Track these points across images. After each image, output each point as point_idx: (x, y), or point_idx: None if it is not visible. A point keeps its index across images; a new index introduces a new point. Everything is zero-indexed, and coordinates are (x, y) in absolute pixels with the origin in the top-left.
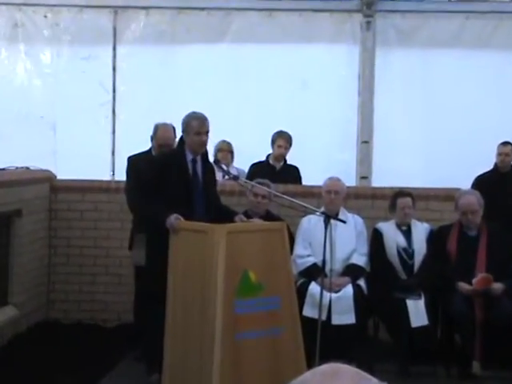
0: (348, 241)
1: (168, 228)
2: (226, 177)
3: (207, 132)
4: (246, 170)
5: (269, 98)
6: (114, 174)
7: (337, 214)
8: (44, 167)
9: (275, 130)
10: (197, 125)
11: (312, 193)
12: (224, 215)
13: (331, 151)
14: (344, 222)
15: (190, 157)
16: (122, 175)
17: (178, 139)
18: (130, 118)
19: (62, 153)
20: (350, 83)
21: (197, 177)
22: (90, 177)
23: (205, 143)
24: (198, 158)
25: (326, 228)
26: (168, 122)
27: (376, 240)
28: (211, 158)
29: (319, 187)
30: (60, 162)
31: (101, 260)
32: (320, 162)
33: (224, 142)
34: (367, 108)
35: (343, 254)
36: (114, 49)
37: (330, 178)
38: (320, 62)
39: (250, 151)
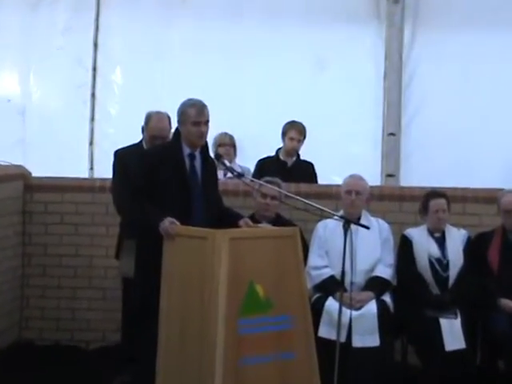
0: (371, 249)
1: (161, 234)
2: (229, 174)
3: (207, 121)
4: (252, 167)
5: (279, 82)
6: (92, 169)
7: (358, 219)
8: (9, 159)
9: (286, 120)
10: (194, 113)
11: (329, 193)
12: (227, 219)
13: (352, 145)
14: (367, 227)
15: (187, 151)
16: (102, 170)
17: (173, 130)
18: (114, 104)
19: (31, 143)
20: (374, 65)
21: (195, 174)
22: (63, 172)
23: (204, 134)
24: (197, 153)
25: (345, 234)
26: (162, 110)
27: (404, 249)
28: (211, 153)
29: (338, 187)
30: (29, 153)
31: (83, 271)
32: (339, 157)
33: (225, 134)
34: (394, 94)
35: (366, 264)
36: (97, 20)
37: (351, 176)
38: (339, 40)
39: (257, 145)
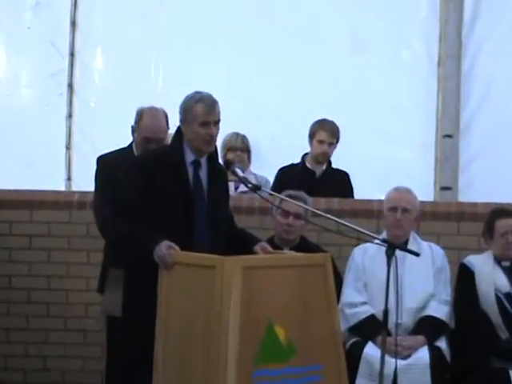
0: (422, 282)
1: (156, 261)
2: (242, 187)
3: (217, 121)
4: (271, 177)
5: (304, 70)
6: (69, 180)
7: (406, 243)
8: None
9: (314, 119)
10: (202, 111)
11: (369, 211)
12: (239, 243)
13: (397, 149)
14: (417, 254)
15: (190, 157)
16: (81, 181)
17: (172, 132)
18: (96, 97)
19: None
20: (426, 47)
21: (200, 187)
22: (32, 184)
23: (214, 138)
24: (203, 160)
25: (389, 263)
26: (156, 105)
27: (464, 281)
28: (220, 159)
29: (379, 202)
30: None
31: (57, 308)
32: (380, 165)
33: (236, 135)
34: (451, 85)
35: (415, 301)
36: None
37: (396, 189)
38: (381, 16)
39: (277, 149)
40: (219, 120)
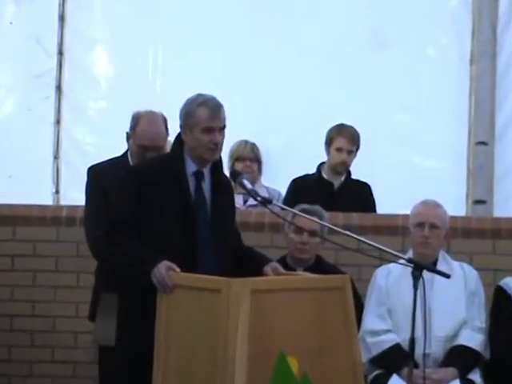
0: (453, 307)
1: (155, 284)
2: (251, 201)
3: (223, 128)
4: (283, 190)
5: (320, 69)
6: (57, 193)
7: (434, 263)
8: None
9: (332, 124)
10: (206, 115)
11: (393, 227)
12: (247, 264)
13: (424, 158)
14: (447, 275)
15: (192, 168)
16: (70, 195)
17: (171, 139)
18: (88, 100)
19: None
20: (457, 43)
21: (203, 200)
22: (16, 197)
23: (219, 146)
24: (206, 170)
25: (415, 286)
26: (155, 109)
27: (501, 306)
28: (226, 170)
29: (405, 217)
30: None
31: (43, 337)
32: (406, 175)
33: (245, 143)
34: (485, 85)
35: (445, 328)
36: None
37: (424, 203)
38: (406, 8)
39: (290, 158)
40: (224, 126)
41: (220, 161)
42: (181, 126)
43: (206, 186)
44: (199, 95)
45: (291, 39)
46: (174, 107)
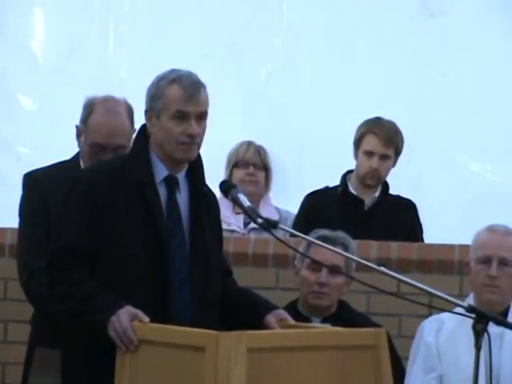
0: None
1: (113, 338)
2: (252, 224)
3: (203, 115)
4: (295, 208)
5: (348, 46)
6: None
7: (505, 313)
8: None
9: (363, 118)
10: (178, 95)
11: (447, 263)
12: (242, 311)
13: (492, 170)
14: None
15: (162, 173)
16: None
17: (135, 133)
18: (26, 89)
19: None
20: None
21: (178, 219)
22: None
23: (194, 140)
24: (181, 176)
25: (478, 345)
26: (117, 95)
27: None
28: (212, 179)
29: (464, 249)
30: None
31: None
32: (466, 192)
33: (249, 144)
34: None
35: None
36: None
37: (491, 230)
38: None
39: (307, 166)
40: (205, 112)
41: (200, 163)
42: (145, 113)
43: (183, 199)
44: (173, 70)
45: (317, 11)
46: (142, 93)
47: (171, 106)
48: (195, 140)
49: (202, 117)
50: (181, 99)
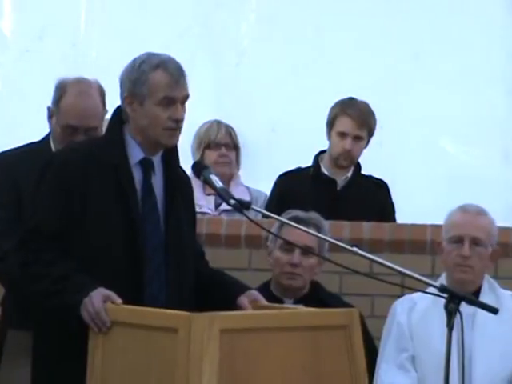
0: (502, 354)
1: (85, 320)
2: (224, 205)
3: (185, 98)
4: (268, 189)
5: (323, 19)
6: None
7: (477, 293)
8: None
9: (337, 98)
10: (166, 81)
11: (420, 242)
12: (215, 292)
13: (462, 147)
14: (494, 310)
15: (137, 155)
16: None
17: (109, 114)
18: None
19: None
20: None
21: (153, 202)
22: None
23: (180, 124)
24: (157, 159)
25: (450, 324)
26: (89, 76)
27: None
28: (186, 161)
29: (436, 229)
30: None
31: None
32: (438, 172)
33: (218, 124)
34: None
35: (491, 381)
36: None
37: (463, 210)
38: None
39: (280, 147)
40: (187, 96)
41: (175, 148)
42: (124, 98)
43: (158, 181)
44: (151, 55)
45: None
46: (115, 74)
47: (158, 92)
48: (180, 124)
49: (184, 100)
50: (168, 85)
